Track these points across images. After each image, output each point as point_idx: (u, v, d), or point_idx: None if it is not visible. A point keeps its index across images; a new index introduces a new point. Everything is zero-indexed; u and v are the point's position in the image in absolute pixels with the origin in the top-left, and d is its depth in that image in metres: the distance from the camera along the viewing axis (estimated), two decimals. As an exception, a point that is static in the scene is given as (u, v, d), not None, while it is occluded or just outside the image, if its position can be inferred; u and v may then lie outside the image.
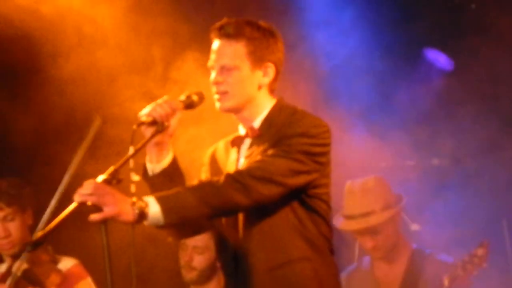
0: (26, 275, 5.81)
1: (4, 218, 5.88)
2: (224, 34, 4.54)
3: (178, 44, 7.10)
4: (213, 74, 4.52)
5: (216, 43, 4.56)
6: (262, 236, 4.46)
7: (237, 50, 4.53)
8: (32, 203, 5.98)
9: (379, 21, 7.92)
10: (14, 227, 5.90)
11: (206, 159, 4.79)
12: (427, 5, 8.12)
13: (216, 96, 4.50)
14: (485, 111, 7.32)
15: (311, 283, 4.41)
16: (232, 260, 4.55)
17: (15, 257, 5.85)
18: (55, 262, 5.96)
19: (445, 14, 7.96)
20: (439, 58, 8.08)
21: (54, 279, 5.89)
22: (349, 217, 6.37)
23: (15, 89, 7.80)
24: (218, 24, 4.54)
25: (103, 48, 7.07)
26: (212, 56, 4.56)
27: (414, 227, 6.58)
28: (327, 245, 4.51)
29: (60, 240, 5.87)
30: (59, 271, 5.93)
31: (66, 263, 6.01)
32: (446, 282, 6.07)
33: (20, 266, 5.67)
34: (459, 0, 8.21)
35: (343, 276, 6.45)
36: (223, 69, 4.51)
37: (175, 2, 7.37)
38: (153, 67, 7.25)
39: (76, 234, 6.13)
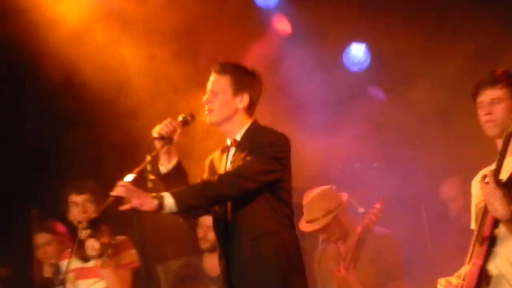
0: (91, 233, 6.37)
1: (87, 200, 6.79)
2: (215, 70, 5.37)
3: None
4: (205, 97, 5.36)
5: (211, 77, 5.38)
6: (244, 217, 5.27)
7: (222, 82, 5.33)
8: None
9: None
10: (91, 209, 6.71)
11: (206, 164, 5.56)
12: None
13: (206, 112, 5.34)
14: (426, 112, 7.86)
15: (279, 249, 5.23)
16: (223, 234, 5.31)
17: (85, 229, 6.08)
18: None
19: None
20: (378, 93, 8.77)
21: (108, 238, 6.59)
22: (306, 221, 7.01)
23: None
24: (213, 65, 5.44)
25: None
26: (208, 86, 5.38)
27: (361, 209, 7.21)
28: (289, 222, 5.32)
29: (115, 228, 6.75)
30: (113, 237, 6.68)
31: (120, 238, 6.73)
32: (359, 229, 6.82)
33: (85, 233, 6.22)
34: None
35: (318, 252, 7.34)
36: (212, 93, 5.33)
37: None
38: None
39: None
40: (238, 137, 5.34)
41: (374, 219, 6.80)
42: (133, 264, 6.71)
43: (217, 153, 5.49)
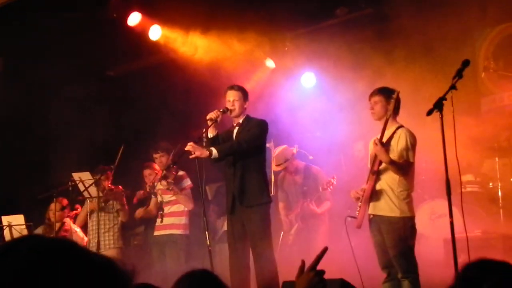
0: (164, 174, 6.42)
1: (161, 156, 6.60)
2: (234, 89, 5.38)
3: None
4: (229, 103, 5.32)
5: (231, 91, 5.37)
6: (243, 162, 5.28)
7: (239, 94, 5.38)
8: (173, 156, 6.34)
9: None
10: (164, 161, 6.60)
11: (227, 132, 5.49)
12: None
13: (232, 110, 5.34)
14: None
15: (260, 186, 5.28)
16: (233, 172, 5.30)
17: (165, 169, 6.43)
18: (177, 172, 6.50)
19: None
20: None
21: (173, 176, 6.46)
22: (275, 165, 6.85)
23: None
24: (231, 85, 5.45)
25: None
26: (229, 96, 5.35)
27: (310, 157, 7.14)
28: (262, 165, 5.42)
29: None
30: (177, 173, 6.50)
31: (181, 173, 6.56)
32: (320, 189, 6.63)
33: (162, 173, 6.40)
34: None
35: (281, 178, 7.03)
36: (234, 100, 5.35)
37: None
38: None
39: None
40: (241, 121, 5.40)
41: (331, 186, 6.59)
42: (188, 186, 6.56)
43: (224, 131, 5.49)
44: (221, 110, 5.26)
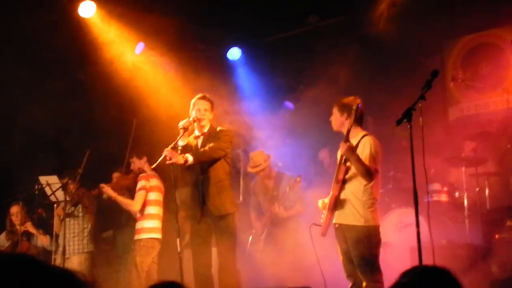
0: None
1: (133, 162, 6.59)
2: (205, 99, 5.35)
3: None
4: (199, 112, 5.29)
5: (202, 101, 5.33)
6: (212, 171, 5.30)
7: (209, 105, 5.37)
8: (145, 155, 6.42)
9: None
10: (137, 164, 6.55)
11: (191, 139, 5.41)
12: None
13: (201, 119, 5.32)
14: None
15: (227, 191, 5.32)
16: (201, 179, 5.28)
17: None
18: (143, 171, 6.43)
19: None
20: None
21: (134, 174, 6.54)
22: (251, 167, 6.79)
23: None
24: (201, 95, 5.40)
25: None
26: (199, 106, 5.32)
27: (279, 164, 7.10)
28: (229, 174, 5.44)
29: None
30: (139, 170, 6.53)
31: (147, 173, 6.46)
32: (287, 189, 6.58)
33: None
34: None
35: (253, 183, 7.02)
36: (204, 110, 5.34)
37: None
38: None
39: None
40: (206, 131, 5.38)
41: (297, 185, 6.57)
42: (142, 188, 6.36)
43: (191, 138, 5.40)
44: (191, 118, 5.27)
